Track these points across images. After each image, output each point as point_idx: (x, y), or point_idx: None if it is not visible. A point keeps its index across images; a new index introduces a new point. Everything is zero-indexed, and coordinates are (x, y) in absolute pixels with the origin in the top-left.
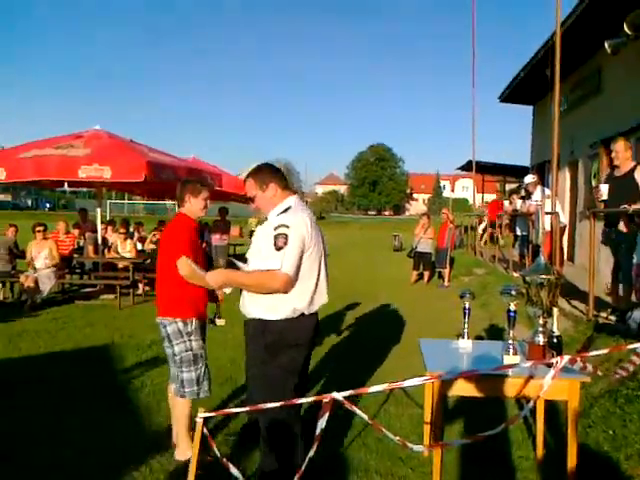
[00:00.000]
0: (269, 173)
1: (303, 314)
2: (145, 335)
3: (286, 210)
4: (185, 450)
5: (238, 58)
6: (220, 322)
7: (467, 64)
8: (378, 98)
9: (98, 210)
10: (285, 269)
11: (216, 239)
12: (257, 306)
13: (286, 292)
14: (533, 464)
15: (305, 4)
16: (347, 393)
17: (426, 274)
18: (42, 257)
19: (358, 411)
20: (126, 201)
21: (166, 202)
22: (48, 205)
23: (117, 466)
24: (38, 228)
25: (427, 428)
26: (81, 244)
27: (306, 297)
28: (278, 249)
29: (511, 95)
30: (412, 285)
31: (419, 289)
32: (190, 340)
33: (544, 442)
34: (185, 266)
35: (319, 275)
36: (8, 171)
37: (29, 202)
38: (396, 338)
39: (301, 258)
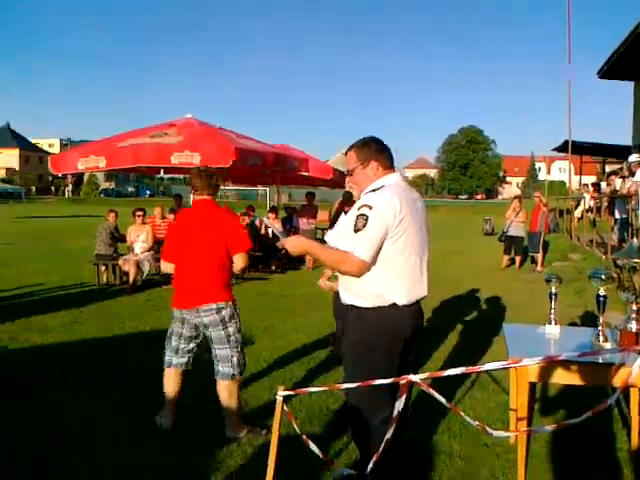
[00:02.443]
0: (374, 150)
1: (395, 304)
2: None
3: (377, 189)
4: (237, 428)
5: (329, 45)
6: None
7: (563, 41)
8: (469, 79)
9: (191, 196)
10: (358, 253)
11: (303, 223)
12: (349, 292)
13: (359, 276)
14: (626, 456)
15: None
16: (424, 375)
17: (517, 259)
18: (140, 240)
19: (435, 394)
20: None
21: (257, 188)
22: (148, 192)
23: (208, 440)
24: (138, 213)
25: (512, 415)
26: None
27: (394, 286)
28: (356, 231)
29: (610, 70)
30: (503, 270)
31: (510, 274)
32: (239, 321)
33: None
34: (245, 261)
35: (412, 264)
36: (108, 159)
37: (130, 189)
38: (485, 325)
39: (382, 243)
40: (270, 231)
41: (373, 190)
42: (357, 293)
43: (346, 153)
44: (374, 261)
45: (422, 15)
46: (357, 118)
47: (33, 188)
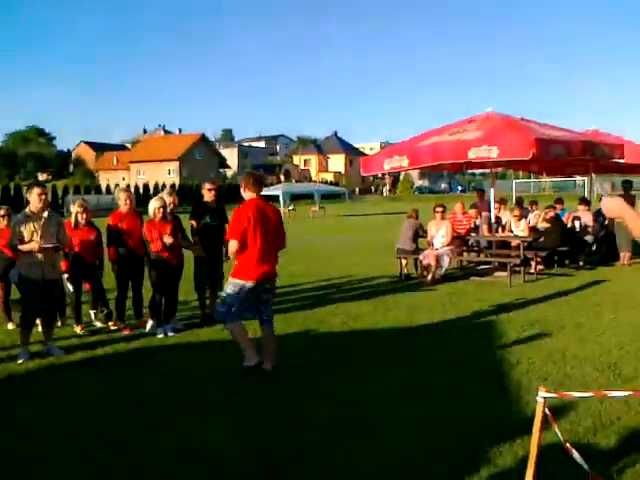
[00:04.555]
0: None
1: None
2: (530, 313)
3: None
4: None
5: None
6: None
7: None
8: None
9: (491, 190)
10: None
11: None
12: None
13: None
14: None
15: None
16: None
17: None
18: (440, 236)
19: None
20: (532, 180)
21: (575, 178)
22: (460, 188)
23: (472, 435)
24: (437, 209)
25: None
26: (477, 223)
27: None
28: None
29: None
30: None
31: None
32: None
33: None
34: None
35: None
36: (410, 159)
37: (443, 186)
38: None
39: None
40: (577, 224)
41: None
42: None
43: None
44: None
45: None
46: None
47: (357, 189)
